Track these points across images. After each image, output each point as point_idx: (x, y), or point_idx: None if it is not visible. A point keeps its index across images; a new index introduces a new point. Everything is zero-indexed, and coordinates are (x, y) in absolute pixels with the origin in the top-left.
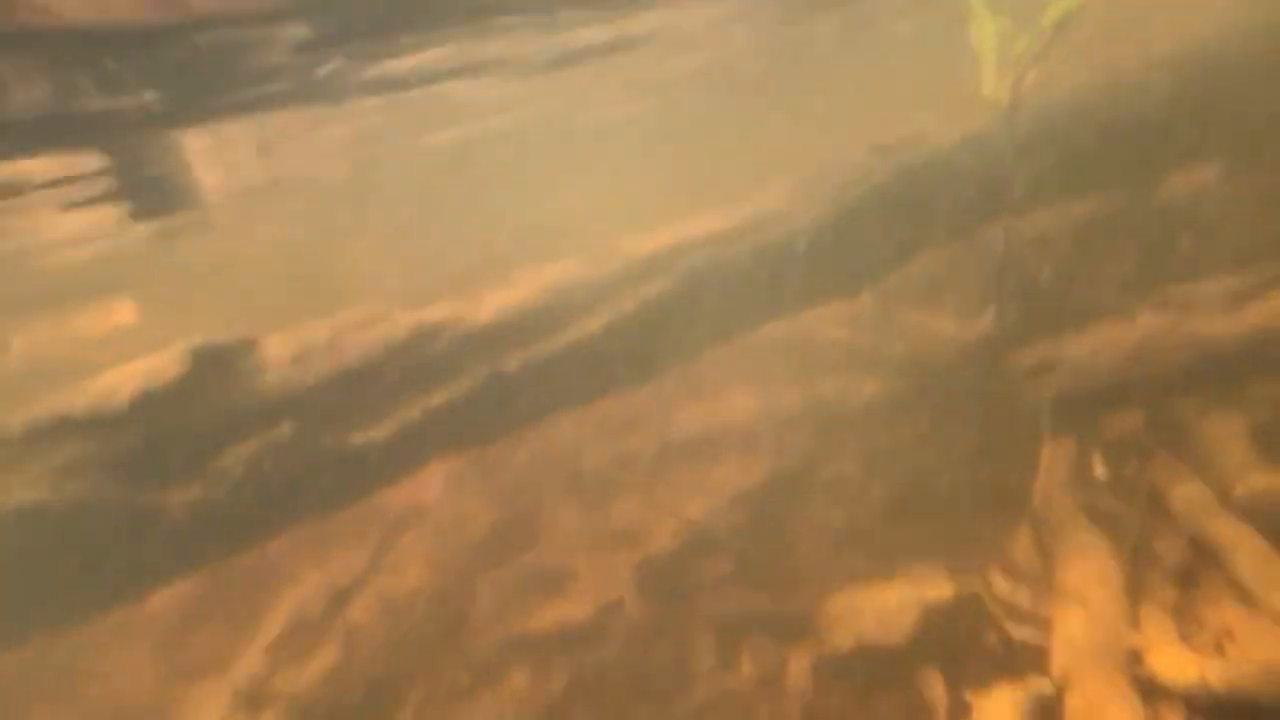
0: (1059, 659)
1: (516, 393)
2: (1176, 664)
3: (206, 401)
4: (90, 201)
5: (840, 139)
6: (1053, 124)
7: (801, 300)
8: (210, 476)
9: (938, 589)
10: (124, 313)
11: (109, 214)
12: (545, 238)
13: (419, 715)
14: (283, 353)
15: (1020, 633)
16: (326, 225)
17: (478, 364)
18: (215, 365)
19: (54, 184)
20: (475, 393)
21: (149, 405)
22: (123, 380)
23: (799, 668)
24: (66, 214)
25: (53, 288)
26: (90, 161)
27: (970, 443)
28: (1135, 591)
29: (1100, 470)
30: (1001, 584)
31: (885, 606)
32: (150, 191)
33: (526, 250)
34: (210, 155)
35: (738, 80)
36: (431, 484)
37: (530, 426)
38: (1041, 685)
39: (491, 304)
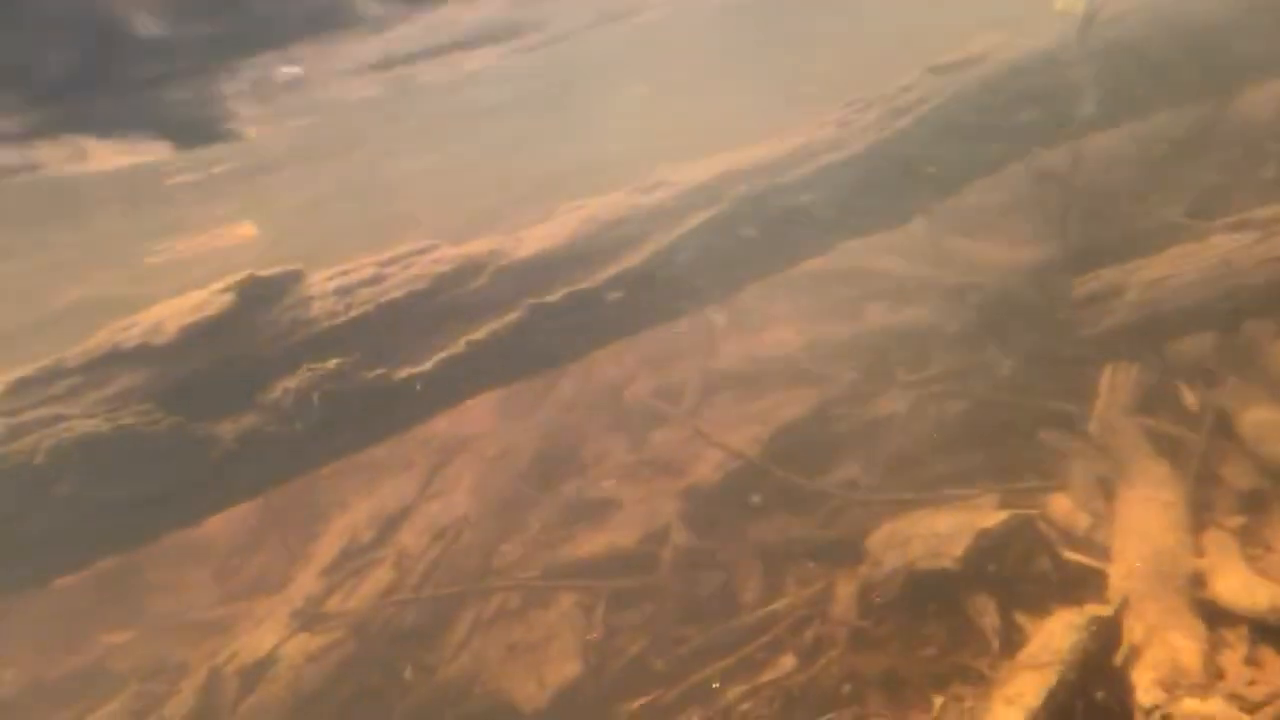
0: (1118, 584)
1: (561, 325)
2: (1243, 588)
3: (255, 334)
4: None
5: (902, 60)
6: (1127, 35)
7: (851, 229)
8: (261, 408)
9: (991, 515)
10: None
11: None
12: (598, 170)
13: (471, 635)
14: (329, 286)
15: (1077, 558)
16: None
17: (522, 297)
18: (263, 298)
19: None
20: (519, 325)
21: (197, 338)
22: (171, 314)
23: (846, 593)
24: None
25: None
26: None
27: (1026, 371)
28: (1199, 516)
29: (1190, 399)
30: (1058, 510)
31: (936, 532)
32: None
33: (578, 182)
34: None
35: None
36: (477, 415)
37: (574, 359)
38: (1099, 610)
39: (535, 237)
